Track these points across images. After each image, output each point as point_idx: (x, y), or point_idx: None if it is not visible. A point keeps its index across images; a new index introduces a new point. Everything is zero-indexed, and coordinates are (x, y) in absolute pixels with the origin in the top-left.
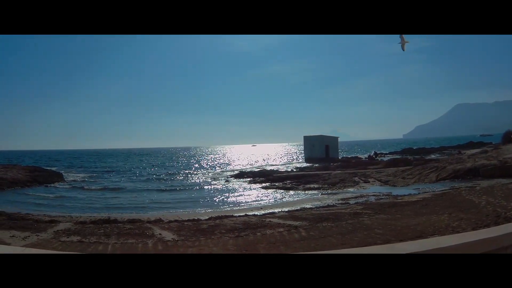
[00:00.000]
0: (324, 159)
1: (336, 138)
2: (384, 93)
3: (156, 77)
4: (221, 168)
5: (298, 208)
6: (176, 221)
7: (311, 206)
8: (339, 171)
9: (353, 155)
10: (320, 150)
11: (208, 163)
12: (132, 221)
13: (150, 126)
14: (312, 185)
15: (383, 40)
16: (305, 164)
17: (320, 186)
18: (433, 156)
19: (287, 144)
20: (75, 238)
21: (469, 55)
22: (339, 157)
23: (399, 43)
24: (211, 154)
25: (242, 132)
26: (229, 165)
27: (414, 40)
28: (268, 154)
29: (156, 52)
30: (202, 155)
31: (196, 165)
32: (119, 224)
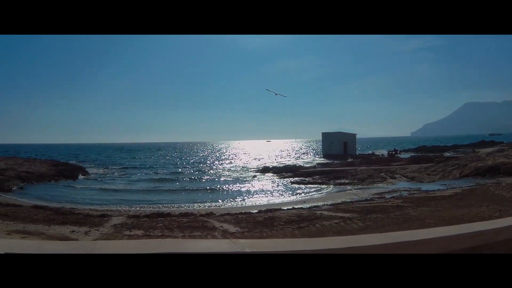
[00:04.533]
0: (342, 156)
1: (354, 135)
2: (392, 91)
3: (166, 74)
4: (247, 163)
5: (339, 201)
6: (228, 214)
7: (351, 200)
8: (364, 167)
9: (368, 152)
10: (339, 146)
11: (229, 159)
12: (184, 215)
13: (158, 121)
14: (342, 180)
15: (392, 38)
16: (324, 160)
17: (350, 181)
18: (448, 154)
19: (294, 140)
20: (138, 232)
21: (478, 54)
22: (357, 154)
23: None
24: (228, 148)
25: (254, 127)
26: (257, 160)
27: (424, 39)
28: (282, 150)
29: (169, 49)
30: (219, 150)
31: (218, 161)
32: (173, 218)
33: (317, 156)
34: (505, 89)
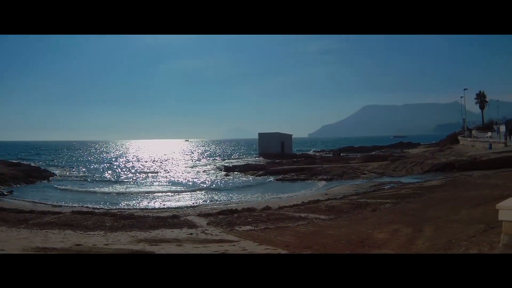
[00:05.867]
0: (280, 155)
1: (290, 136)
2: (292, 92)
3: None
4: (212, 162)
5: (354, 192)
6: (295, 205)
7: (366, 190)
8: (328, 165)
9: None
10: (276, 146)
11: (177, 158)
12: (248, 210)
13: (59, 118)
14: (323, 176)
15: (294, 40)
16: (264, 160)
17: (330, 177)
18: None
19: (194, 140)
20: (245, 228)
21: (379, 57)
22: (293, 153)
23: None
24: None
25: (153, 126)
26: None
27: (325, 41)
28: (208, 150)
29: (72, 48)
30: (137, 149)
31: (176, 161)
32: (245, 213)
33: (250, 156)
34: (406, 93)
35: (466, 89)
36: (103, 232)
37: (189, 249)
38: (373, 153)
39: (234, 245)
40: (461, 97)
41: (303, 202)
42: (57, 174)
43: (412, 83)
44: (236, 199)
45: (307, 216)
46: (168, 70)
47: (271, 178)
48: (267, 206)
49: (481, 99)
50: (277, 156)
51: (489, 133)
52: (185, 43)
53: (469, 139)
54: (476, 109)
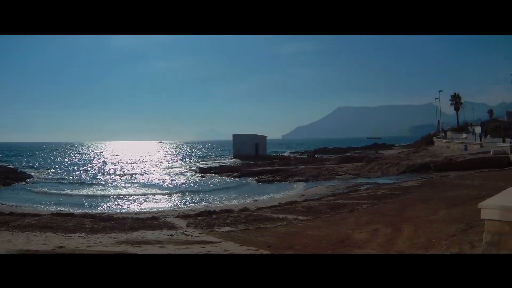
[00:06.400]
0: (254, 157)
1: (265, 137)
2: (267, 93)
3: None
4: (188, 164)
5: (330, 193)
6: (272, 206)
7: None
8: (303, 166)
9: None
10: (251, 147)
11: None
12: (226, 211)
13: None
14: (298, 177)
15: (268, 41)
16: (239, 161)
17: (306, 178)
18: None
19: (168, 141)
20: (225, 229)
21: (352, 59)
22: (267, 155)
23: None
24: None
25: (124, 127)
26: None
27: (301, 43)
28: (182, 152)
29: (37, 48)
30: (108, 151)
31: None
32: (223, 214)
33: (225, 158)
34: (380, 94)
35: (441, 91)
36: (84, 234)
37: (171, 250)
38: (348, 154)
39: (215, 246)
40: (436, 98)
41: (280, 203)
42: (34, 176)
43: (386, 84)
44: (213, 201)
45: (286, 217)
46: (140, 71)
47: (247, 180)
48: (245, 207)
49: (456, 100)
50: (251, 158)
51: (464, 135)
52: (157, 44)
53: (444, 140)
54: (450, 110)
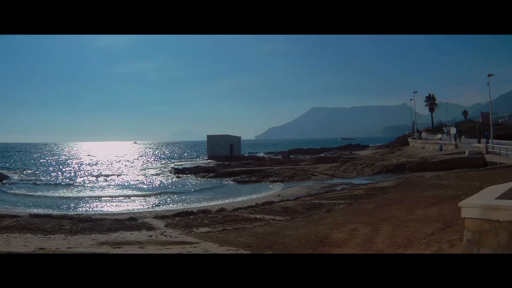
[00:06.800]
0: (229, 157)
1: (239, 138)
2: (239, 94)
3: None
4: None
5: (306, 194)
6: (249, 207)
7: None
8: (278, 167)
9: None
10: (225, 148)
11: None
12: (203, 212)
13: None
14: (274, 178)
15: (242, 42)
16: (214, 161)
17: (281, 179)
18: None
19: (144, 142)
20: (203, 230)
21: (327, 60)
22: (242, 156)
23: None
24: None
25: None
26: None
27: (275, 44)
28: (156, 153)
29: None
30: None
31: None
32: (201, 215)
33: (199, 159)
34: (354, 95)
35: (416, 92)
36: (63, 235)
37: (152, 251)
38: (322, 155)
39: (195, 246)
40: (411, 99)
41: (257, 203)
42: (10, 177)
43: (360, 85)
44: (190, 201)
45: (263, 217)
46: (113, 71)
47: (222, 180)
48: (222, 208)
49: (430, 101)
50: (226, 158)
51: (439, 135)
52: (132, 44)
53: (419, 141)
54: (425, 111)
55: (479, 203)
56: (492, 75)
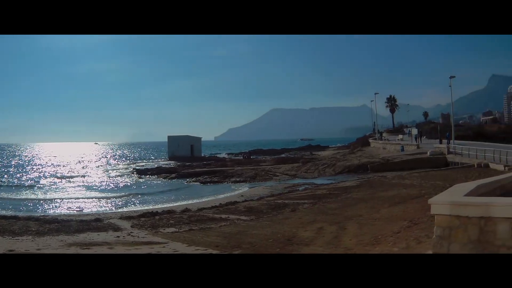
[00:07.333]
0: (190, 158)
1: (199, 139)
2: (198, 95)
3: None
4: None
5: (269, 194)
6: (214, 207)
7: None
8: (240, 168)
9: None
10: (186, 149)
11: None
12: (168, 212)
13: None
14: (236, 179)
15: (201, 43)
16: (175, 162)
17: (244, 179)
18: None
19: (103, 142)
20: (170, 230)
21: (286, 62)
22: (202, 156)
23: None
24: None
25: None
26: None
27: (231, 46)
28: (117, 153)
29: None
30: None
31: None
32: (166, 215)
33: (160, 159)
34: (314, 96)
35: (377, 93)
36: (31, 237)
37: (122, 251)
38: (283, 155)
39: (163, 246)
40: (372, 101)
41: (220, 203)
42: None
43: (321, 87)
44: (154, 202)
45: (228, 217)
46: (73, 72)
47: (185, 181)
48: (186, 208)
49: (391, 102)
50: (187, 159)
51: (400, 136)
52: (92, 45)
53: (380, 141)
54: (386, 112)
55: (448, 200)
56: (454, 77)
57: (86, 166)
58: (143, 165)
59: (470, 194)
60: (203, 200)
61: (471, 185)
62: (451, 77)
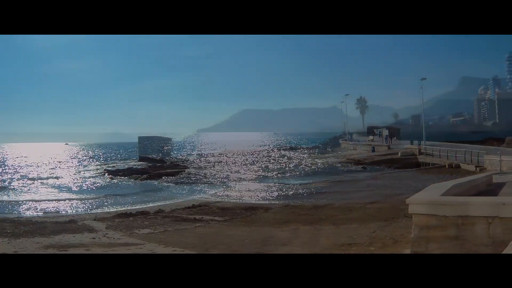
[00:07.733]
0: (160, 159)
1: (170, 139)
2: (168, 96)
3: None
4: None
5: (242, 195)
6: (187, 208)
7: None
8: (211, 168)
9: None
10: (156, 150)
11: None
12: (142, 213)
13: None
14: (208, 180)
15: (170, 43)
16: (143, 163)
17: (216, 180)
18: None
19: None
20: (145, 231)
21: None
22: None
23: None
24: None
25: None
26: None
27: (201, 47)
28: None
29: None
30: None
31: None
32: (140, 216)
33: (131, 160)
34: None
35: (348, 94)
36: (7, 239)
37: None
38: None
39: (140, 248)
40: (342, 102)
41: (194, 204)
42: None
43: (292, 87)
44: (127, 203)
45: (202, 218)
46: (42, 72)
47: (156, 182)
48: (160, 209)
49: (362, 104)
50: (158, 160)
51: (371, 137)
52: (63, 45)
53: (351, 142)
54: (355, 113)
55: (426, 200)
56: (425, 79)
57: (58, 167)
58: (114, 166)
59: (446, 193)
60: (176, 201)
61: (447, 184)
62: (422, 79)
